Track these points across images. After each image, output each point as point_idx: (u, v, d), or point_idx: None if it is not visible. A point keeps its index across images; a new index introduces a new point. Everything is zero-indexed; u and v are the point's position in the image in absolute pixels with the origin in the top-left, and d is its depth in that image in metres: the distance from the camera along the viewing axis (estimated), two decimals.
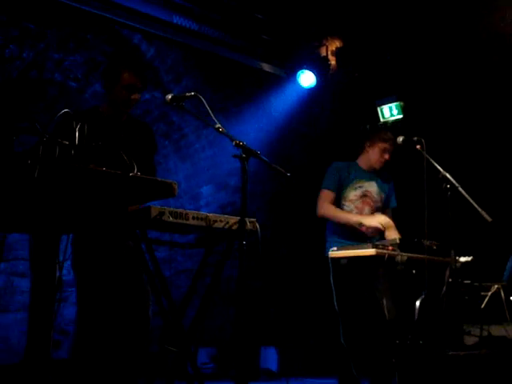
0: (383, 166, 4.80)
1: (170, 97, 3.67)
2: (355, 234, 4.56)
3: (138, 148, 3.86)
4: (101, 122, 3.74)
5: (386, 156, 4.74)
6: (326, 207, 4.63)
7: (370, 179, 4.79)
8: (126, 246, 3.68)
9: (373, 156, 4.77)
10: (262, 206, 7.74)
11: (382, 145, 4.73)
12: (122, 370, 3.74)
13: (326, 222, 4.77)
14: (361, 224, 4.54)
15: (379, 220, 4.49)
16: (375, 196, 4.76)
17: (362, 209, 4.70)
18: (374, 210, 4.73)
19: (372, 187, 4.78)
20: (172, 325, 3.50)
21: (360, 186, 4.73)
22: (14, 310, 6.18)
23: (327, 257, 4.49)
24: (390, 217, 4.71)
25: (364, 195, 4.73)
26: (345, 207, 4.70)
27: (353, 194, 4.71)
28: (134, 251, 3.53)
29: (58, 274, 2.60)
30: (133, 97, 3.73)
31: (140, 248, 3.38)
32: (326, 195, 4.67)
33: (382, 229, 4.47)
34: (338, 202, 4.70)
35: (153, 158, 4.05)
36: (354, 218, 4.57)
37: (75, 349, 3.63)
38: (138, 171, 3.70)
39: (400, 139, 4.45)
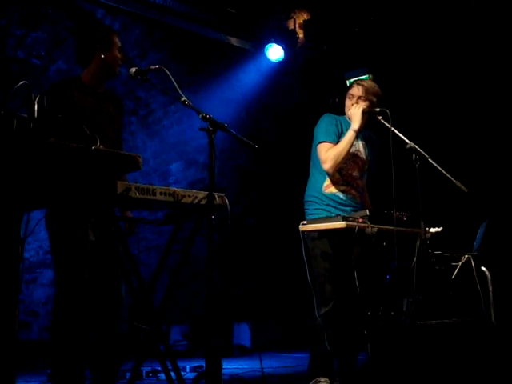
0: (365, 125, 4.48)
1: (134, 70, 3.62)
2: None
3: (114, 120, 4.00)
4: (85, 92, 3.83)
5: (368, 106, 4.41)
6: (329, 155, 4.27)
7: (360, 139, 4.52)
8: (96, 223, 3.63)
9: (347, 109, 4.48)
10: (233, 182, 7.70)
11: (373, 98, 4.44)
12: (98, 349, 3.76)
13: (309, 181, 4.51)
14: (356, 131, 4.30)
15: (359, 111, 4.31)
16: (363, 157, 4.52)
17: (353, 169, 4.46)
18: (362, 172, 4.53)
19: (361, 148, 4.53)
20: (142, 303, 3.47)
21: (353, 144, 4.40)
22: None
23: (310, 220, 4.31)
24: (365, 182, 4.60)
25: (355, 155, 4.46)
26: None
27: None
28: (103, 229, 3.49)
29: (21, 252, 2.53)
30: (123, 57, 3.99)
31: (109, 226, 3.33)
32: (328, 147, 4.31)
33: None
34: None
35: (121, 130, 4.16)
36: (349, 136, 4.29)
37: (54, 327, 3.61)
38: (114, 144, 3.74)
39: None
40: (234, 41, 7.52)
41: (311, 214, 4.38)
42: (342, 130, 4.42)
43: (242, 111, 7.60)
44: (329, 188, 4.38)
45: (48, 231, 3.69)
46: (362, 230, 4.07)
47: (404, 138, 4.19)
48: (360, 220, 4.10)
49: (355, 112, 4.34)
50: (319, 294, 4.21)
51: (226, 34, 7.42)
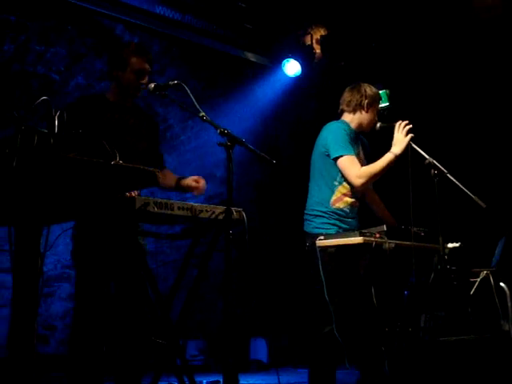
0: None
1: (152, 86, 3.65)
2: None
3: (144, 136, 3.91)
4: (108, 108, 3.77)
5: (377, 118, 4.45)
6: (363, 173, 4.20)
7: (359, 144, 4.49)
8: (119, 239, 3.63)
9: (370, 118, 4.42)
10: (250, 197, 7.71)
11: (378, 106, 4.47)
12: (119, 363, 3.72)
13: (312, 195, 4.44)
14: (397, 156, 4.20)
15: (405, 140, 4.19)
16: (363, 162, 4.43)
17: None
18: None
19: (361, 153, 4.49)
20: (159, 317, 3.48)
21: (357, 154, 4.36)
22: (1, 305, 6.13)
23: (315, 234, 4.24)
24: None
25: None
26: (335, 181, 4.32)
27: None
28: (125, 244, 3.50)
29: (41, 266, 2.55)
30: (142, 81, 3.76)
31: (127, 240, 3.35)
32: (355, 163, 4.22)
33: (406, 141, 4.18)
34: (337, 172, 4.31)
35: (159, 146, 4.10)
36: (388, 158, 4.20)
37: (72, 343, 3.57)
38: (146, 159, 3.75)
39: (378, 125, 4.38)
40: (251, 56, 7.55)
41: (317, 228, 4.29)
42: (352, 140, 4.33)
43: (260, 126, 7.63)
44: (337, 203, 4.31)
45: (72, 243, 3.69)
46: (379, 245, 4.05)
47: (423, 153, 4.18)
48: (377, 235, 4.09)
49: (403, 140, 4.20)
50: (337, 310, 4.19)
51: (244, 49, 7.45)
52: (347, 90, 4.55)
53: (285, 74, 7.65)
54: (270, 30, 7.47)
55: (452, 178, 4.11)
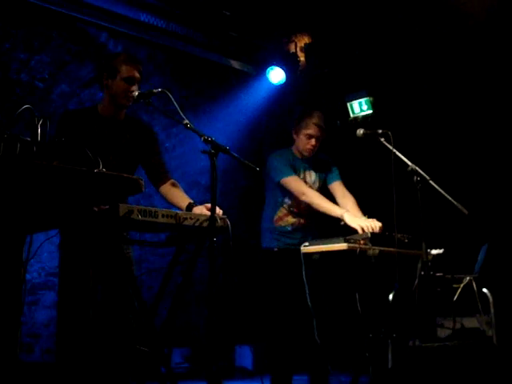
0: (316, 152, 4.72)
1: (136, 93, 3.66)
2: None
3: (139, 146, 3.92)
4: (99, 121, 3.78)
5: (313, 142, 4.63)
6: (310, 192, 4.53)
7: (307, 168, 4.76)
8: (103, 246, 3.62)
9: (300, 143, 4.69)
10: (234, 204, 7.71)
11: (305, 131, 4.64)
12: (105, 372, 3.71)
13: (263, 212, 4.79)
14: (342, 218, 4.41)
15: (360, 223, 4.32)
16: (312, 186, 4.72)
17: (300, 201, 4.62)
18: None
19: (309, 177, 4.75)
20: (144, 325, 3.47)
21: (302, 179, 4.69)
22: None
23: (264, 249, 4.67)
24: (343, 187, 4.77)
25: (308, 186, 4.68)
26: (285, 200, 4.67)
27: None
28: (109, 252, 3.49)
29: (23, 274, 2.54)
30: (132, 88, 3.75)
31: (111, 248, 3.35)
32: (297, 180, 4.59)
33: (360, 231, 4.28)
34: (279, 195, 4.68)
35: (159, 155, 4.12)
36: (338, 210, 4.44)
37: (59, 351, 3.59)
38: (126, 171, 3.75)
39: (360, 132, 4.44)
40: (235, 64, 7.58)
41: (265, 243, 4.69)
42: (293, 163, 4.68)
43: (244, 133, 7.63)
44: (278, 222, 4.69)
45: (59, 252, 3.68)
46: (363, 251, 4.08)
47: (405, 160, 4.22)
48: (361, 242, 4.12)
49: (356, 224, 4.31)
50: (319, 316, 4.22)
51: (228, 57, 7.48)
52: None
53: (269, 82, 7.67)
54: (254, 37, 7.49)
55: (434, 185, 4.14)
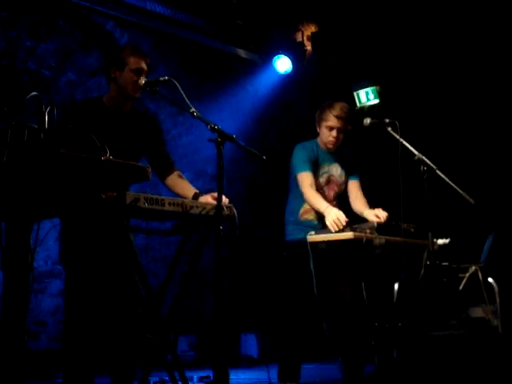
0: (340, 144, 4.67)
1: (143, 82, 3.66)
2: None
3: (143, 138, 3.92)
4: (104, 112, 3.79)
5: (334, 133, 4.56)
6: (307, 192, 4.51)
7: (333, 161, 4.70)
8: (109, 234, 3.63)
9: (323, 136, 4.64)
10: (241, 193, 7.71)
11: (325, 123, 4.58)
12: (113, 359, 3.74)
13: (287, 204, 4.74)
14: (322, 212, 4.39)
15: (328, 219, 4.24)
16: (339, 179, 4.70)
17: (328, 194, 4.64)
18: (338, 193, 4.71)
19: (335, 170, 4.70)
20: (150, 313, 3.48)
21: (325, 172, 4.65)
22: None
23: (288, 241, 4.60)
24: (358, 188, 4.75)
25: (329, 180, 4.67)
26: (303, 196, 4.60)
27: (319, 181, 4.63)
28: (116, 240, 3.50)
29: (31, 261, 2.55)
30: (140, 80, 3.75)
31: (118, 236, 3.36)
32: (307, 177, 4.53)
33: (332, 229, 4.21)
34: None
35: (163, 146, 4.13)
36: (322, 206, 4.39)
37: (66, 340, 3.60)
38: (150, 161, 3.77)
39: (367, 121, 4.42)
40: (242, 53, 7.56)
41: (291, 235, 4.62)
42: (315, 158, 4.62)
43: (250, 122, 7.62)
44: (305, 215, 4.61)
45: (60, 239, 3.70)
46: (369, 241, 4.09)
47: (412, 150, 4.22)
48: (368, 231, 4.12)
49: (328, 216, 4.26)
50: (326, 305, 4.23)
51: (235, 45, 7.46)
52: None
53: (276, 71, 7.65)
54: (260, 26, 7.47)
55: (441, 175, 4.14)
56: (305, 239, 4.33)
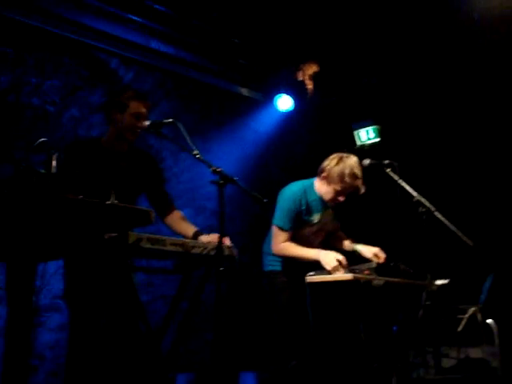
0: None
1: (147, 123, 3.72)
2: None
3: (142, 177, 3.99)
4: (101, 153, 3.84)
5: (341, 199, 4.45)
6: (282, 247, 4.43)
7: (327, 208, 4.61)
8: (111, 273, 3.66)
9: (327, 194, 4.48)
10: (241, 230, 7.72)
11: (339, 188, 4.40)
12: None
13: (267, 236, 4.70)
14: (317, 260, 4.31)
15: (332, 264, 4.19)
16: (330, 226, 4.68)
17: (314, 242, 4.58)
18: (324, 239, 4.70)
19: (328, 216, 4.64)
20: (150, 350, 3.49)
21: (316, 222, 4.55)
22: None
23: (266, 271, 4.60)
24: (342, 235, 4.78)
25: (321, 229, 4.62)
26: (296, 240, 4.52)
27: (307, 231, 4.56)
28: (118, 279, 3.52)
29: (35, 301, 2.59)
30: (139, 124, 3.81)
31: (123, 275, 3.39)
32: (282, 237, 4.43)
33: (330, 270, 4.18)
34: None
35: (163, 185, 4.19)
36: (312, 252, 4.35)
37: (68, 375, 3.61)
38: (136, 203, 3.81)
39: (366, 162, 4.44)
40: (244, 91, 7.67)
41: (267, 265, 4.62)
42: (305, 211, 4.48)
43: (252, 160, 7.68)
44: None
45: (64, 277, 3.72)
46: (368, 281, 4.10)
47: (411, 191, 4.25)
48: (366, 272, 4.15)
49: (327, 260, 4.24)
50: (323, 345, 4.24)
51: (237, 84, 7.58)
52: (332, 156, 4.57)
53: (277, 109, 7.73)
54: (263, 65, 7.58)
55: (439, 216, 4.16)
56: (281, 271, 4.45)
